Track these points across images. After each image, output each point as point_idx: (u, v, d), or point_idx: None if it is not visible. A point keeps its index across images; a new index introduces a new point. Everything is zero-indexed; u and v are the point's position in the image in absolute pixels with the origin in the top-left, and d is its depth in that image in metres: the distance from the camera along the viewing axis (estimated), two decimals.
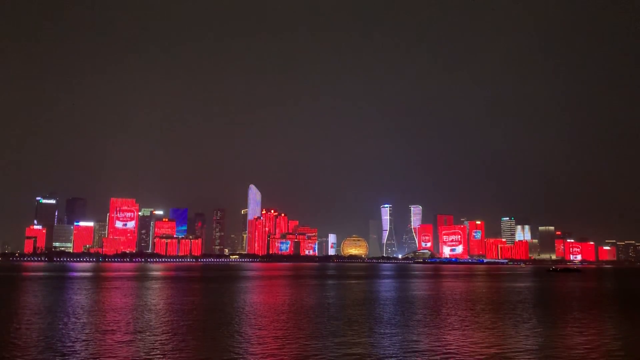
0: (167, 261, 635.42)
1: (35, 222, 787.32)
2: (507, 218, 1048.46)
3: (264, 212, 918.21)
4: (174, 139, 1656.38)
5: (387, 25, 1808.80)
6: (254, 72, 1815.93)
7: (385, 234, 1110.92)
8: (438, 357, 37.64)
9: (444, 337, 46.54)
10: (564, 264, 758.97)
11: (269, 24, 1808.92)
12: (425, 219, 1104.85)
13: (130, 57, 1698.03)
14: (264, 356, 37.48)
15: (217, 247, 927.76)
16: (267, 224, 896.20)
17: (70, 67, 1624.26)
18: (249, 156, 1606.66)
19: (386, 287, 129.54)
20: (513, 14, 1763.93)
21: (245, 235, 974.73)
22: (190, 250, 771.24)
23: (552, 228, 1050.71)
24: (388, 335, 47.35)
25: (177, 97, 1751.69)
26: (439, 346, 41.70)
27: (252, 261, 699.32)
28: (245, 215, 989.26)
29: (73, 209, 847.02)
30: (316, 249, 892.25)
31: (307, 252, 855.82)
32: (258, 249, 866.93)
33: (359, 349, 40.20)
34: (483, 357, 37.94)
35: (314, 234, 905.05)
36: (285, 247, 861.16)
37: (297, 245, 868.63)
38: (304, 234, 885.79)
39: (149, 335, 45.46)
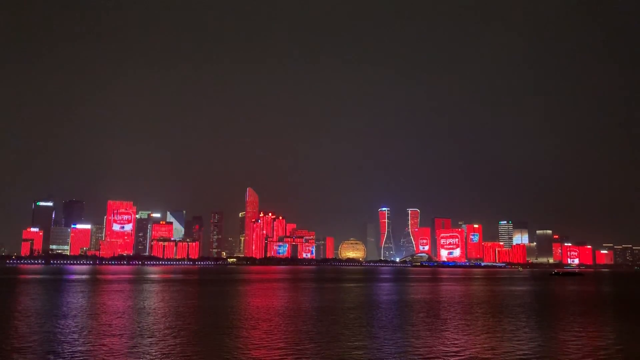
0: (165, 264, 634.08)
1: (32, 224, 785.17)
2: (505, 222, 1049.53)
3: (261, 215, 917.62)
4: (172, 142, 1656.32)
5: (384, 26, 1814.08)
6: (252, 75, 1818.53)
7: (383, 237, 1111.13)
8: None
9: (447, 341, 46.27)
10: (562, 267, 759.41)
11: (266, 28, 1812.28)
12: (423, 222, 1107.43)
13: (130, 60, 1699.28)
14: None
15: (215, 250, 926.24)
16: (264, 227, 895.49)
17: (69, 69, 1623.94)
18: (246, 159, 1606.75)
19: (385, 290, 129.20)
20: (510, 14, 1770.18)
21: (242, 238, 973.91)
22: (188, 253, 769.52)
23: (549, 232, 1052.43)
24: (389, 339, 47.05)
25: (175, 100, 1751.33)
26: (442, 350, 41.45)
27: (249, 264, 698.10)
28: (243, 218, 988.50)
29: (70, 211, 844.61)
30: (314, 252, 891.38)
31: (304, 255, 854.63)
32: (256, 252, 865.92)
33: (362, 353, 39.92)
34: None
35: (311, 237, 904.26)
36: (283, 250, 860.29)
37: (294, 248, 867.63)
38: (301, 237, 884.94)
39: (148, 339, 45.10)
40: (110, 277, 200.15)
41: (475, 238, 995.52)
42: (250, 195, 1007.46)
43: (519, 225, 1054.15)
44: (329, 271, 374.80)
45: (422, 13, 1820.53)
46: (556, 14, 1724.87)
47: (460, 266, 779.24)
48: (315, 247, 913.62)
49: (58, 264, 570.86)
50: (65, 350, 39.52)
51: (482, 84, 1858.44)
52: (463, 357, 38.83)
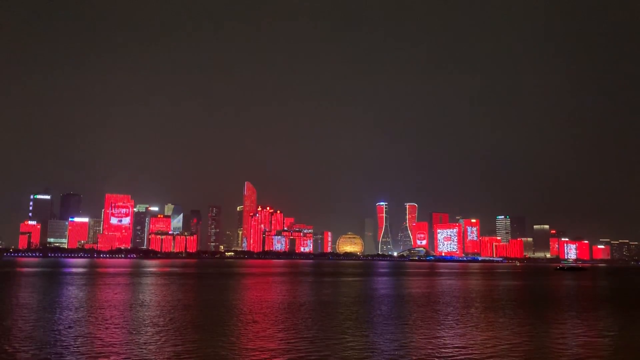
0: (163, 257, 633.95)
1: (30, 217, 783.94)
2: (503, 216, 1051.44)
3: (259, 209, 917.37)
4: (170, 136, 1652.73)
5: (384, 25, 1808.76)
6: (250, 70, 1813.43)
7: (381, 232, 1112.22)
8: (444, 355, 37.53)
9: (449, 336, 46.38)
10: (559, 262, 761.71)
11: (266, 24, 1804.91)
12: (420, 216, 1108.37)
13: (127, 55, 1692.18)
14: (266, 354, 37.21)
15: (213, 244, 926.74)
16: (262, 221, 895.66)
17: (67, 63, 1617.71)
18: (244, 153, 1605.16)
19: (383, 284, 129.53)
20: (511, 13, 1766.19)
21: (240, 232, 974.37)
22: (186, 246, 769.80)
23: (546, 227, 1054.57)
24: (389, 332, 47.14)
25: (172, 94, 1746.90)
26: (445, 344, 41.58)
27: (247, 258, 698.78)
28: (241, 212, 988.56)
29: (68, 204, 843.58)
30: (311, 246, 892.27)
31: (302, 249, 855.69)
32: (253, 245, 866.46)
33: (361, 346, 40.04)
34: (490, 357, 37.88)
35: (309, 231, 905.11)
36: (281, 244, 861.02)
37: (292, 242, 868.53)
38: (299, 231, 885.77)
39: (146, 332, 45.10)
40: (108, 270, 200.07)
41: (473, 233, 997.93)
42: (248, 189, 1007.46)
43: (516, 220, 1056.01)
44: (327, 265, 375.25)
45: (422, 9, 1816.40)
46: (561, 13, 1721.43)
47: (457, 260, 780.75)
48: (313, 241, 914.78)
49: (56, 257, 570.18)
50: (64, 343, 39.51)
51: (480, 80, 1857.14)
52: (467, 352, 38.94)
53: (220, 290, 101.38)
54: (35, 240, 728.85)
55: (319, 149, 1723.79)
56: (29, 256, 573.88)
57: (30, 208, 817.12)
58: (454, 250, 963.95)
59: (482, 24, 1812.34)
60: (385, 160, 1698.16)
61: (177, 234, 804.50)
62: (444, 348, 40.04)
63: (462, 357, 37.07)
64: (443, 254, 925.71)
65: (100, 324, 49.61)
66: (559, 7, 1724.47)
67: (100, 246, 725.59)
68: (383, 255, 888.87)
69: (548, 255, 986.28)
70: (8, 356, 35.40)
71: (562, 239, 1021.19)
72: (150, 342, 40.54)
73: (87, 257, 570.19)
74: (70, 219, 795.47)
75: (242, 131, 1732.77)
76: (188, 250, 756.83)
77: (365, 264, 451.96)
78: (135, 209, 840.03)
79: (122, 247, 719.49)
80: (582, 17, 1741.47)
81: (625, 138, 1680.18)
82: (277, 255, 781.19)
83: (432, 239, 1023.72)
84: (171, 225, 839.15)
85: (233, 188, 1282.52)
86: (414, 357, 36.68)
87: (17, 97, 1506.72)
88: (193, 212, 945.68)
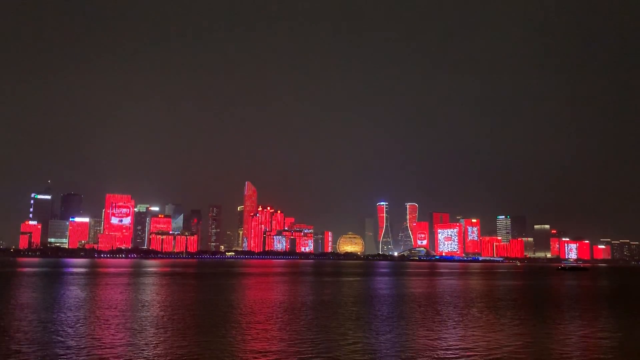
0: (163, 257, 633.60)
1: (31, 217, 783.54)
2: (503, 216, 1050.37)
3: (260, 208, 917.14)
4: (170, 136, 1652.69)
5: (384, 24, 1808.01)
6: (251, 69, 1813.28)
7: (382, 232, 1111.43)
8: (446, 354, 37.30)
9: (452, 337, 46.12)
10: (559, 262, 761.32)
11: (267, 23, 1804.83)
12: (421, 216, 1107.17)
13: (127, 55, 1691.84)
14: (267, 355, 36.98)
15: (213, 244, 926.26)
16: (263, 221, 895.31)
17: (67, 63, 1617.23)
18: (245, 153, 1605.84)
19: (383, 284, 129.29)
20: (513, 12, 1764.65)
21: (241, 232, 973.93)
22: (186, 246, 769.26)
23: (547, 226, 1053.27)
24: (389, 332, 46.89)
25: (173, 94, 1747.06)
26: (447, 344, 41.35)
27: (248, 258, 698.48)
28: (242, 212, 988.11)
29: (69, 204, 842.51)
30: (312, 245, 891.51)
31: (303, 249, 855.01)
32: (254, 245, 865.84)
33: (362, 345, 39.80)
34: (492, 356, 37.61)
35: (310, 230, 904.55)
36: (281, 244, 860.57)
37: (293, 242, 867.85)
38: (300, 231, 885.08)
39: (146, 333, 44.88)
40: (108, 270, 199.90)
41: (474, 232, 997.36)
42: (248, 189, 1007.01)
43: (517, 220, 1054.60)
44: (328, 265, 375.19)
45: (421, 6, 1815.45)
46: (563, 12, 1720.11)
47: (458, 260, 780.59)
48: (314, 241, 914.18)
49: (56, 257, 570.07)
50: (64, 343, 39.27)
51: (480, 80, 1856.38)
52: (470, 354, 38.69)
53: (221, 290, 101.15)
54: (36, 240, 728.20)
55: (320, 149, 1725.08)
56: (29, 256, 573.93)
57: (31, 208, 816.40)
58: (454, 250, 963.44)
59: (483, 23, 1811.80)
60: (385, 160, 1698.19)
61: (178, 234, 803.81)
62: (448, 350, 39.78)
63: (466, 359, 36.83)
64: (444, 254, 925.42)
65: (101, 324, 49.39)
66: (560, 6, 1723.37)
67: (100, 246, 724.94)
68: (384, 255, 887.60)
69: (549, 255, 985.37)
70: (8, 356, 35.17)
71: (563, 239, 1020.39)
72: (150, 343, 40.30)
73: (87, 257, 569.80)
74: (70, 219, 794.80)
75: (243, 131, 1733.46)
76: (189, 250, 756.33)
77: (366, 264, 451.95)
78: (135, 209, 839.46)
79: (123, 247, 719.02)
80: (582, 16, 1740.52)
81: (626, 138, 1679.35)
82: (278, 255, 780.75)
83: (432, 239, 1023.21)
84: (172, 225, 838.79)
85: (233, 188, 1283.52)
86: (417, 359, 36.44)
87: (17, 97, 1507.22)
88: (193, 212, 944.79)
